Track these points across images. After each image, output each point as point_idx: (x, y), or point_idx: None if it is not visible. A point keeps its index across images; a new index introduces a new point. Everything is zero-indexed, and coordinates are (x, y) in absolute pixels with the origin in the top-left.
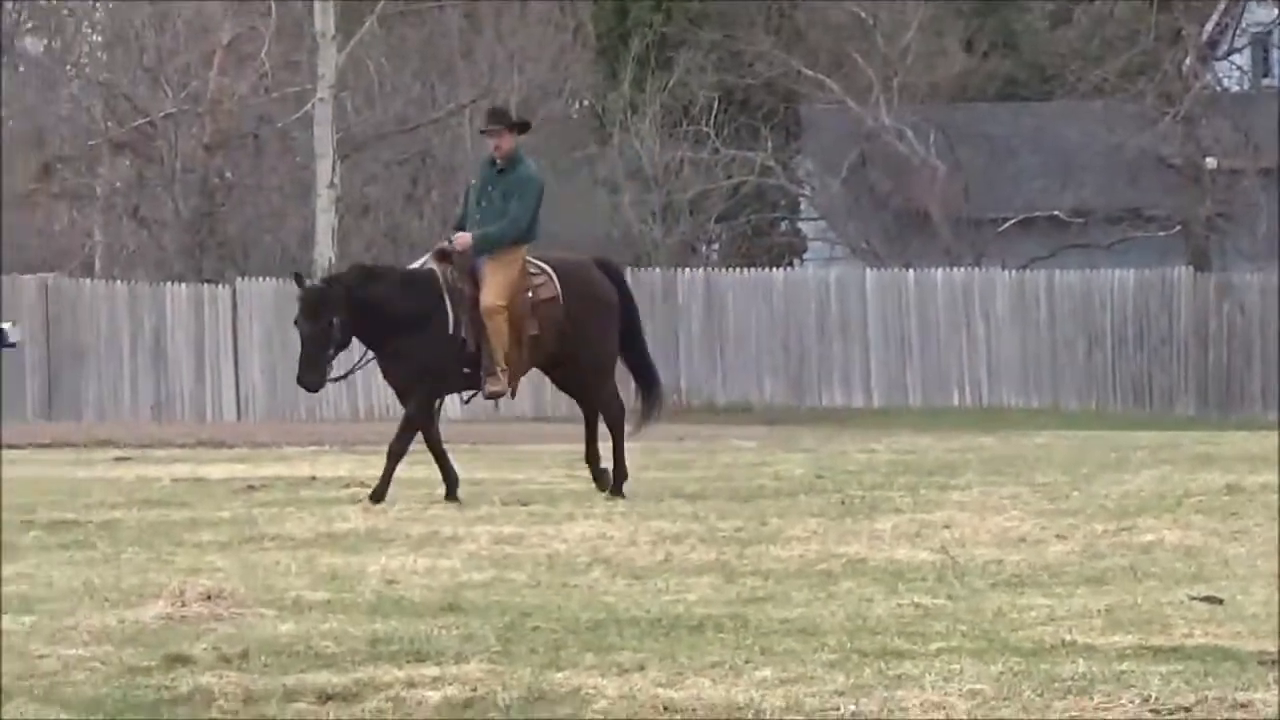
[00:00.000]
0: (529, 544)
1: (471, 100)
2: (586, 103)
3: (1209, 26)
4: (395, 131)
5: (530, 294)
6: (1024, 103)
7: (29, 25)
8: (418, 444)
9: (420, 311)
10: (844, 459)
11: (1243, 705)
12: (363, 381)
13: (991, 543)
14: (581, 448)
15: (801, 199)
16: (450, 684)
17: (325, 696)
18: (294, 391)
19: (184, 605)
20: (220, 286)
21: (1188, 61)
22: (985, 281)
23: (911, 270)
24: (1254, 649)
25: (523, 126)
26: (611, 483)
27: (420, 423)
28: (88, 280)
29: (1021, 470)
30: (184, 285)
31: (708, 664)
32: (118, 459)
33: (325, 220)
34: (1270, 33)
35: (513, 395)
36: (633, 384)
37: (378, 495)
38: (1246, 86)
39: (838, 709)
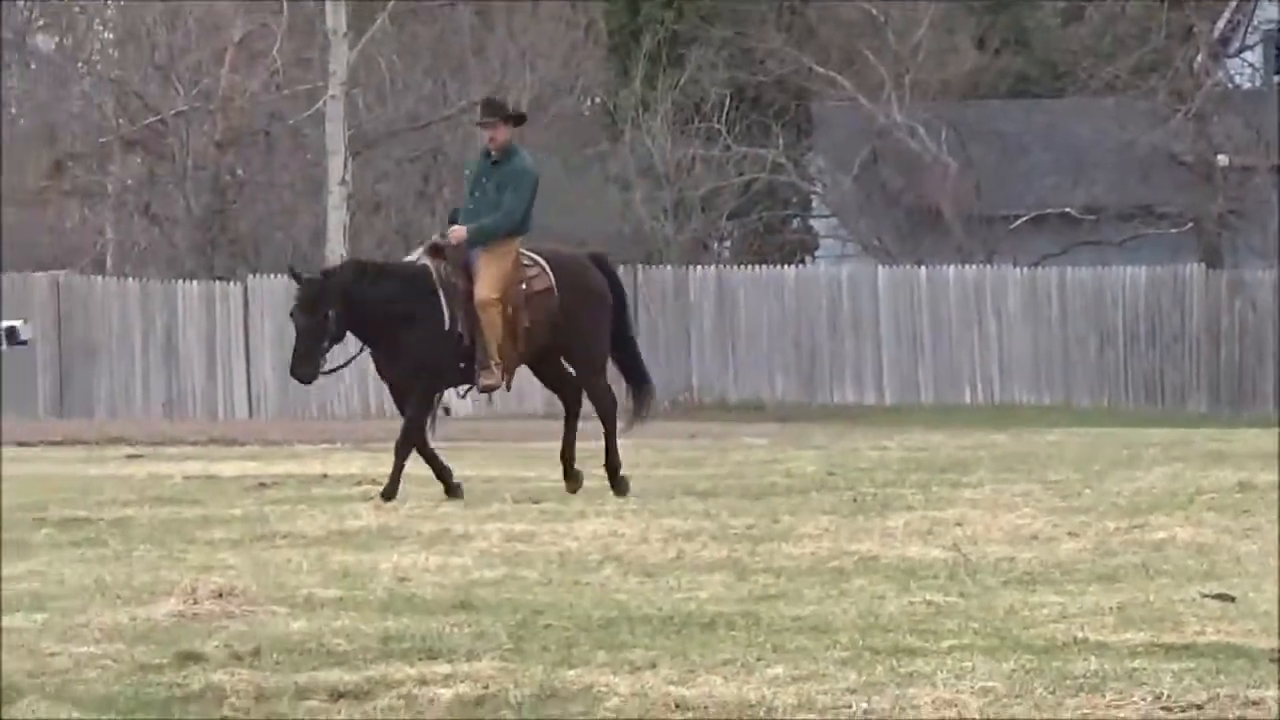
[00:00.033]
0: (541, 542)
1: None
2: (598, 100)
3: (1220, 24)
4: (407, 129)
5: (524, 286)
6: (1036, 100)
7: (40, 23)
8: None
9: (414, 307)
10: (856, 456)
11: (1254, 703)
12: (374, 379)
13: (1003, 540)
14: (573, 446)
15: (813, 196)
16: (462, 681)
17: (337, 694)
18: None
19: (196, 603)
20: (232, 284)
21: (1199, 59)
22: (997, 278)
23: (923, 267)
24: (1266, 646)
25: (518, 119)
26: (582, 484)
27: (423, 419)
28: (99, 277)
29: (1033, 467)
30: (195, 282)
31: (720, 661)
32: (129, 456)
33: (337, 217)
34: None
35: (507, 388)
36: (623, 383)
37: (389, 493)
38: (1258, 84)
39: (849, 706)
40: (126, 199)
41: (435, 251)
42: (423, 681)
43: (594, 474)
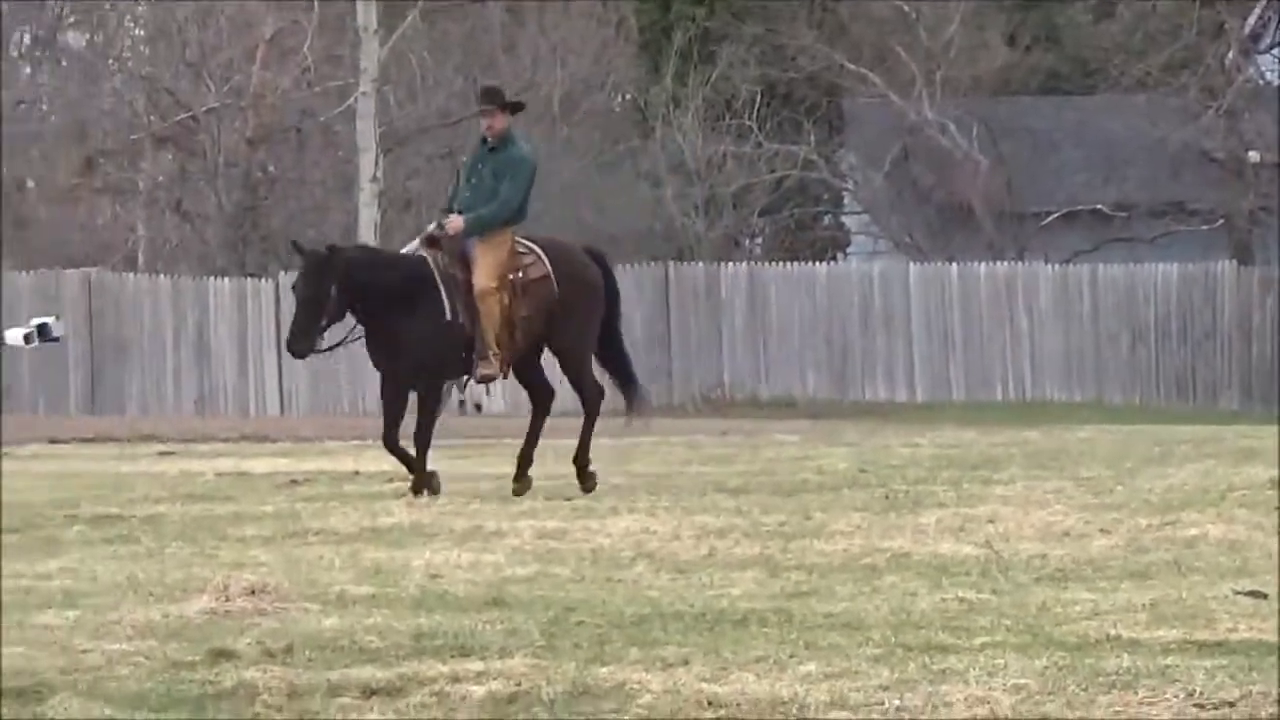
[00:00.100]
0: (573, 539)
1: (515, 94)
2: (629, 96)
3: (1251, 20)
4: (438, 125)
5: (520, 274)
6: (1067, 96)
7: (71, 20)
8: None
9: (414, 295)
10: (887, 453)
11: None
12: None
13: (1035, 537)
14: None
15: (844, 193)
16: (494, 679)
17: (369, 691)
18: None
19: (228, 600)
20: (263, 281)
21: (1230, 55)
22: (1028, 275)
23: (954, 264)
24: None
25: (515, 107)
26: (530, 486)
27: (436, 413)
28: (131, 275)
29: (1065, 464)
30: (227, 280)
31: (752, 659)
32: (161, 453)
33: (368, 214)
34: None
35: (505, 378)
36: (609, 384)
37: (417, 488)
38: None
39: (882, 703)
40: (158, 196)
41: (432, 243)
42: (455, 679)
43: (625, 471)
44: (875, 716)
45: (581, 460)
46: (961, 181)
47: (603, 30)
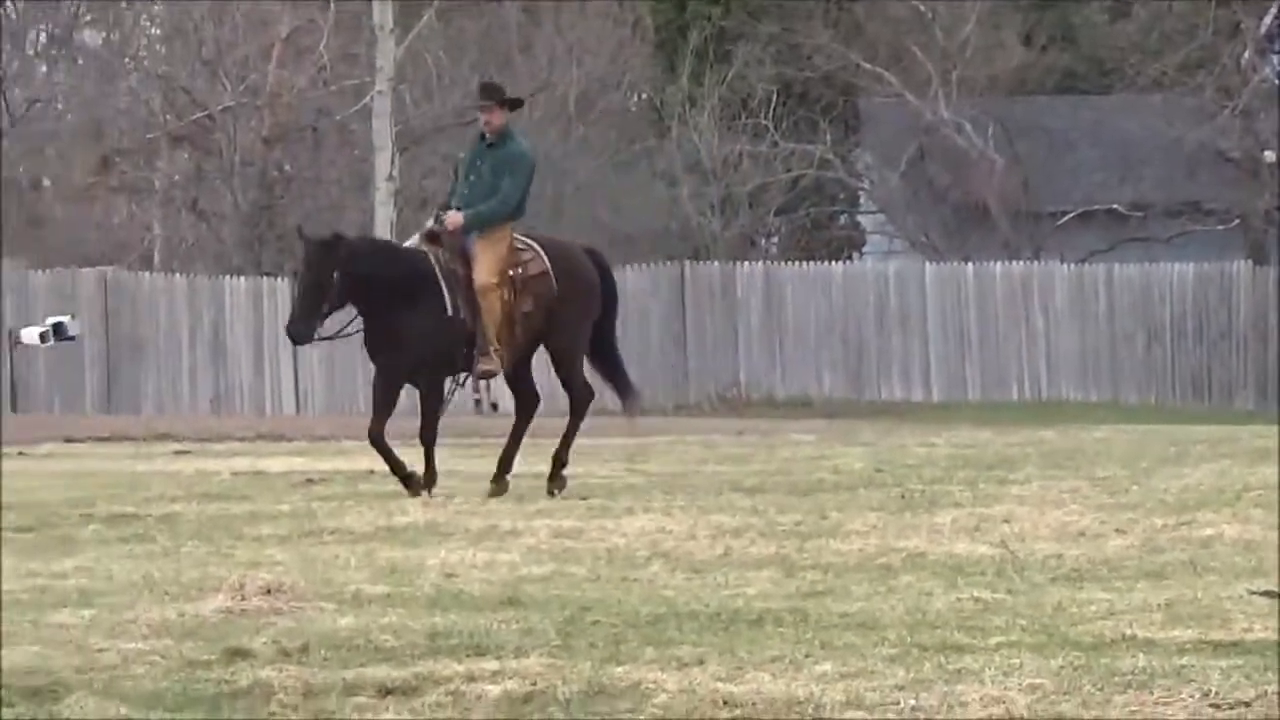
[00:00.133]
0: (588, 538)
1: (530, 93)
2: (645, 96)
3: (1268, 20)
4: (454, 124)
5: (520, 270)
6: (1083, 96)
7: (88, 18)
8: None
9: (416, 289)
10: (903, 453)
11: None
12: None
13: (1051, 537)
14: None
15: (860, 192)
16: (510, 678)
17: (385, 690)
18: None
19: (244, 599)
20: (279, 279)
21: (1246, 55)
22: (1044, 275)
23: (970, 264)
24: None
25: (514, 103)
26: (507, 489)
27: (437, 406)
28: (147, 273)
29: (1081, 464)
30: (243, 278)
31: (767, 658)
32: (177, 452)
33: (384, 213)
34: None
35: (511, 368)
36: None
37: (428, 484)
38: None
39: (898, 703)
40: (174, 195)
41: (432, 238)
42: (470, 678)
43: (640, 470)
44: (891, 716)
45: (562, 457)
46: (977, 181)
47: (619, 29)
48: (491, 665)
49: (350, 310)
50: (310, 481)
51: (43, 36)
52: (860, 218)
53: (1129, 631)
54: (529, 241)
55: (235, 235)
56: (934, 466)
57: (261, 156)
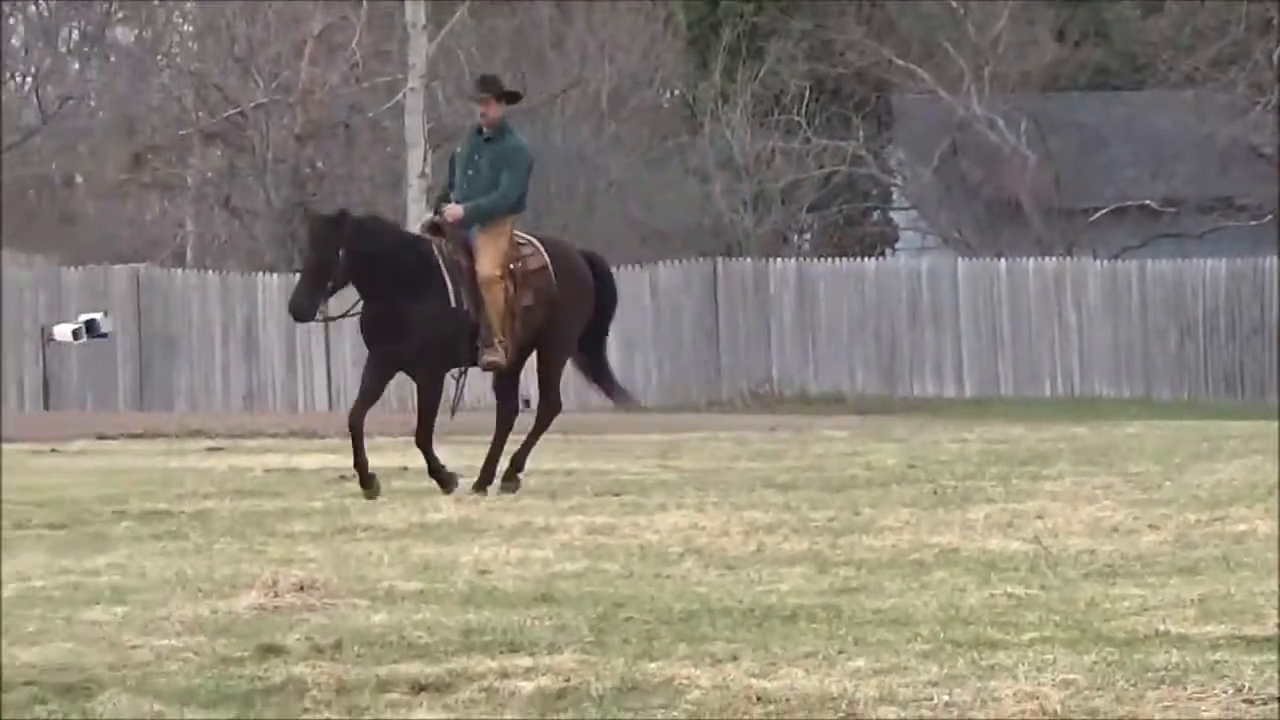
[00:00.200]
0: (621, 534)
1: (562, 90)
2: (677, 92)
3: None
4: None
5: (520, 264)
6: (1115, 92)
7: (120, 15)
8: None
9: (418, 275)
10: (936, 449)
11: None
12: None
13: (1084, 533)
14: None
15: (893, 188)
16: (543, 674)
17: (418, 687)
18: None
19: (277, 596)
20: None
21: (1279, 51)
22: (1077, 271)
23: (1003, 260)
24: None
25: (511, 97)
26: (487, 491)
27: (435, 400)
28: (179, 270)
29: (1114, 460)
30: (275, 275)
31: (801, 654)
32: (210, 449)
33: (416, 210)
34: None
35: (508, 366)
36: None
37: (446, 485)
38: None
39: (931, 699)
40: (206, 192)
41: (435, 230)
42: (504, 674)
43: (672, 466)
44: (924, 712)
45: (519, 465)
46: (1010, 177)
47: (651, 26)
48: (525, 662)
49: (355, 293)
50: (343, 478)
51: (75, 34)
52: (893, 214)
53: (1162, 627)
54: (527, 237)
55: (268, 232)
56: (967, 462)
57: (294, 153)
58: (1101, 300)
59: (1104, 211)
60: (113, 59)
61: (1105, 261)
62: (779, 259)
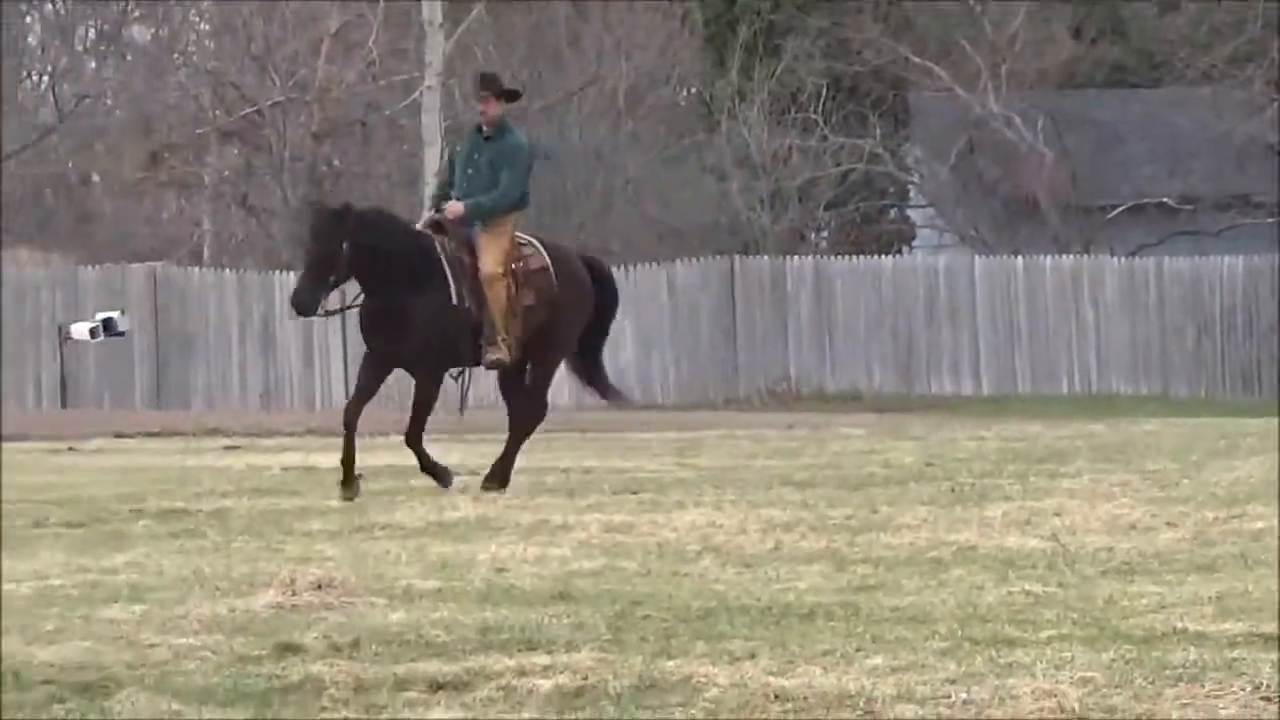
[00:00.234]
0: (639, 532)
1: (579, 88)
2: (694, 90)
3: None
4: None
5: (521, 263)
6: (1132, 89)
7: (137, 14)
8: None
9: (420, 271)
10: (953, 446)
11: None
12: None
13: (1102, 530)
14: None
15: (910, 186)
16: (561, 672)
17: (436, 685)
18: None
19: (294, 594)
20: None
21: None
22: (1094, 268)
23: (1020, 257)
24: None
25: (511, 95)
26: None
27: (431, 399)
28: (196, 269)
29: (1131, 457)
30: (292, 274)
31: (819, 652)
32: (227, 447)
33: None
34: None
35: (511, 364)
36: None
37: (443, 479)
38: None
39: (949, 697)
40: (223, 190)
41: (437, 228)
42: (521, 672)
43: (690, 465)
44: (942, 709)
45: (503, 477)
46: (1027, 175)
47: (668, 24)
48: (543, 660)
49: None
50: (360, 476)
51: (92, 32)
52: (910, 212)
53: (1180, 624)
54: (528, 237)
55: (285, 230)
56: (984, 460)
57: (311, 151)
58: (1119, 298)
59: (1121, 209)
60: (129, 57)
61: (1122, 259)
62: (796, 257)
